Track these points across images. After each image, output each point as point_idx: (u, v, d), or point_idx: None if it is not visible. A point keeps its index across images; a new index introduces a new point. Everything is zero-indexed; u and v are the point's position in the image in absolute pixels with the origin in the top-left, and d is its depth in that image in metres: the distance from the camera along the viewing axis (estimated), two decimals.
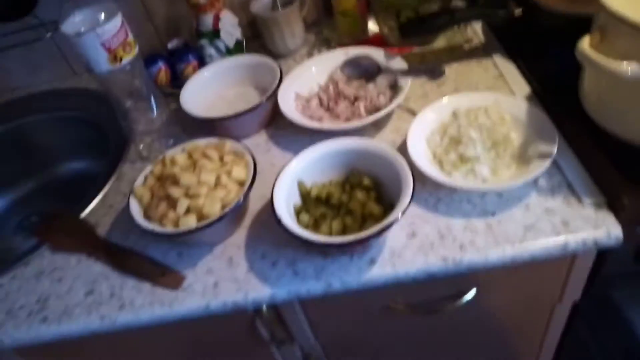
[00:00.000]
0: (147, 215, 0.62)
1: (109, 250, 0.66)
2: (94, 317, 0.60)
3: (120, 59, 0.67)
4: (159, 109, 0.77)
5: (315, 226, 0.60)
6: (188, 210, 0.60)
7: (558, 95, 0.69)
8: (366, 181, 0.62)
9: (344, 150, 0.64)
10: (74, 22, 0.65)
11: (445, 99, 0.70)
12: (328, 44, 0.94)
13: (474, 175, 0.62)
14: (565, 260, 0.64)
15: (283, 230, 0.55)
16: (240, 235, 0.65)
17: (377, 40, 0.89)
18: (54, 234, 0.70)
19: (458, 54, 0.85)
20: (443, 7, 0.79)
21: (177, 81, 0.89)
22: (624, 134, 0.59)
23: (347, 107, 0.76)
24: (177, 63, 0.89)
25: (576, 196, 0.60)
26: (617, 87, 0.58)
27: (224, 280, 0.60)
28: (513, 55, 0.81)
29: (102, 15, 0.65)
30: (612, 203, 0.58)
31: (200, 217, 0.59)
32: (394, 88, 0.77)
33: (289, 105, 0.77)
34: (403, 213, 0.53)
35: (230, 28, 0.88)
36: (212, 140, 0.69)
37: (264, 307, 0.66)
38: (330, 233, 0.58)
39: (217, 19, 0.86)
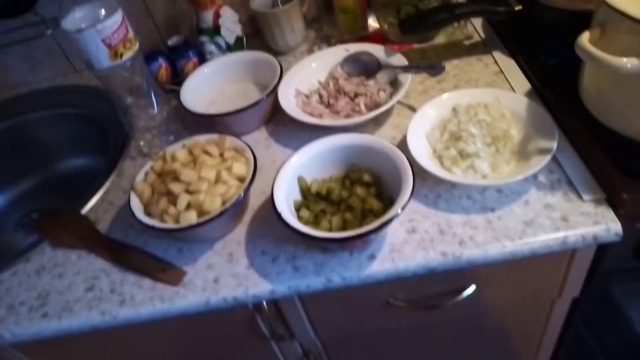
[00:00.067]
0: (147, 211, 0.62)
1: (109, 246, 0.67)
2: (94, 312, 0.60)
3: (121, 55, 0.67)
4: (160, 106, 0.77)
5: (315, 222, 0.60)
6: (188, 206, 0.60)
7: (558, 91, 0.69)
8: (366, 177, 0.63)
9: (344, 146, 0.64)
10: (75, 19, 0.65)
11: (445, 95, 0.70)
12: (328, 40, 0.94)
13: (473, 171, 0.62)
14: (564, 256, 0.64)
15: (283, 225, 0.56)
16: (240, 231, 0.65)
17: (377, 37, 0.89)
18: (54, 230, 0.70)
19: (458, 50, 0.85)
20: (443, 4, 0.79)
21: (178, 78, 0.89)
22: (623, 129, 0.59)
23: (347, 104, 0.76)
24: (178, 60, 0.89)
25: (576, 192, 0.60)
26: (616, 83, 0.58)
27: (224, 276, 0.61)
28: (513, 51, 0.81)
29: (103, 12, 0.65)
30: (612, 199, 0.58)
31: (201, 212, 0.60)
32: (394, 84, 0.77)
33: (289, 102, 0.77)
34: (403, 208, 0.53)
35: (231, 25, 0.88)
36: (213, 136, 0.69)
37: (264, 303, 0.66)
38: (330, 229, 0.59)
39: (217, 15, 0.87)
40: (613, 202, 0.58)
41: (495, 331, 0.82)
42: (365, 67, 0.80)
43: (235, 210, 0.62)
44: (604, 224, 0.56)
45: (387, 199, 0.61)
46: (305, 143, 0.64)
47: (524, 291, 0.71)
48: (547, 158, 0.59)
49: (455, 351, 0.87)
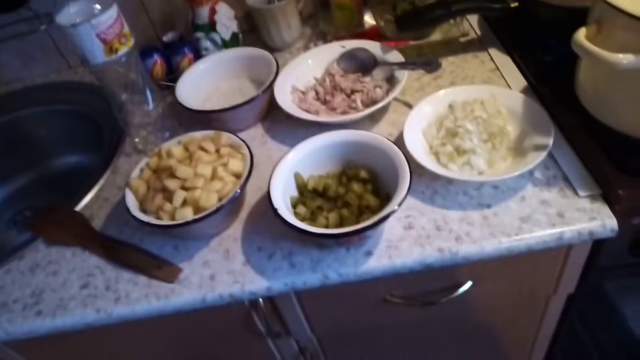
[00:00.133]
0: (143, 208, 0.62)
1: (104, 243, 0.66)
2: (89, 310, 0.60)
3: (116, 51, 0.67)
4: (155, 102, 0.77)
5: (312, 218, 0.60)
6: (184, 203, 0.60)
7: (553, 88, 0.69)
8: (363, 173, 0.62)
9: (341, 143, 0.64)
10: (69, 14, 0.64)
11: (441, 92, 0.70)
12: (324, 37, 0.94)
13: (470, 167, 0.62)
14: (560, 252, 0.64)
15: (280, 221, 0.55)
16: (236, 228, 0.65)
17: (374, 34, 0.89)
18: (48, 228, 0.70)
19: (454, 47, 0.85)
20: (439, 0, 0.79)
21: (173, 74, 0.88)
22: (619, 125, 0.60)
23: (343, 100, 0.76)
24: (173, 56, 0.89)
25: (571, 188, 0.60)
26: (612, 79, 0.58)
27: (220, 273, 0.60)
28: (509, 48, 0.81)
29: (98, 7, 0.64)
30: (607, 195, 0.58)
31: (197, 209, 0.59)
32: (391, 81, 0.77)
33: (285, 98, 0.76)
34: (400, 205, 0.53)
35: (226, 21, 0.87)
36: (209, 132, 0.69)
37: (260, 300, 0.66)
38: (327, 225, 0.58)
39: (213, 11, 0.86)
40: (609, 198, 0.58)
41: (491, 327, 0.82)
42: (362, 64, 0.80)
43: (231, 206, 0.62)
44: (600, 220, 0.56)
45: (384, 195, 0.61)
46: (301, 139, 0.64)
47: (519, 287, 0.71)
48: (543, 154, 0.59)
49: (451, 347, 0.88)
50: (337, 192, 0.62)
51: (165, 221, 0.59)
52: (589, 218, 0.57)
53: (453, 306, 0.69)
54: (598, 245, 0.64)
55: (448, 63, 0.82)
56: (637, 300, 0.78)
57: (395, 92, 0.72)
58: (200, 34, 0.88)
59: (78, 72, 1.03)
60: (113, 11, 0.65)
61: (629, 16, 0.51)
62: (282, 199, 0.59)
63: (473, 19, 0.90)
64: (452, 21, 0.86)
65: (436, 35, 0.87)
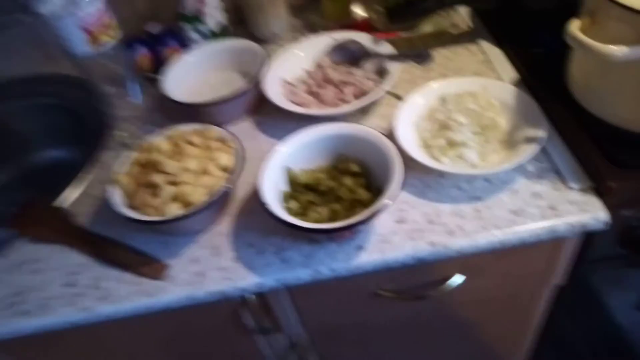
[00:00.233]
0: (129, 204, 0.60)
1: (89, 240, 0.64)
2: (75, 309, 0.58)
3: (101, 42, 0.65)
4: (141, 95, 0.75)
5: (303, 213, 0.59)
6: (172, 198, 0.58)
7: (545, 80, 0.69)
8: (354, 167, 0.62)
9: (332, 136, 0.63)
10: (51, 3, 0.62)
11: (433, 84, 0.69)
12: (314, 28, 0.93)
13: (462, 160, 0.62)
14: (551, 244, 0.64)
15: (270, 216, 0.54)
16: (225, 224, 0.63)
17: (364, 25, 0.88)
18: (31, 225, 0.68)
19: (445, 39, 0.84)
20: None
21: (159, 66, 0.86)
22: (610, 118, 0.60)
23: (334, 93, 0.75)
24: (159, 47, 0.86)
25: (563, 180, 0.60)
26: (605, 71, 0.58)
27: (209, 270, 0.59)
28: (500, 40, 0.81)
29: None
30: (599, 187, 0.58)
31: (185, 205, 0.58)
32: (381, 73, 0.76)
33: (274, 91, 0.75)
34: (393, 199, 0.52)
35: (214, 11, 0.86)
36: (196, 126, 0.67)
37: (251, 296, 0.65)
38: (318, 220, 0.58)
39: (200, 2, 0.84)
40: (600, 191, 0.58)
41: (481, 321, 0.82)
42: (352, 56, 0.79)
43: (220, 202, 0.61)
44: (592, 212, 0.56)
45: (376, 189, 0.60)
46: (291, 133, 0.63)
47: (511, 280, 0.71)
48: (535, 147, 0.59)
49: (442, 342, 0.88)
50: (328, 186, 0.61)
51: (153, 218, 0.57)
52: (581, 210, 0.57)
53: (444, 300, 0.69)
54: (589, 237, 0.64)
55: (439, 55, 0.81)
56: (622, 291, 0.79)
57: (387, 85, 0.71)
58: (187, 25, 0.86)
59: (61, 64, 1.00)
60: (97, 1, 0.63)
61: (622, 7, 0.51)
62: (273, 194, 0.58)
63: (463, 10, 0.89)
64: (442, 13, 0.85)
65: (426, 27, 0.86)
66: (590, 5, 0.56)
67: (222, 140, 0.65)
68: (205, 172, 0.60)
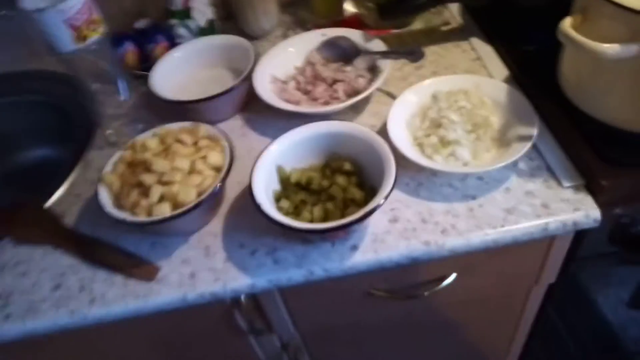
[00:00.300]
0: (118, 204, 0.59)
1: (77, 242, 0.63)
2: (62, 312, 0.57)
3: (86, 38, 0.63)
4: (128, 92, 0.73)
5: (295, 213, 0.58)
6: (162, 198, 0.57)
7: (536, 77, 0.69)
8: (347, 166, 0.61)
9: (324, 134, 0.62)
10: None
11: (426, 82, 0.69)
12: (304, 24, 0.92)
13: (454, 158, 0.62)
14: (544, 242, 0.65)
15: (263, 217, 0.53)
16: (216, 224, 0.62)
17: (354, 22, 0.87)
18: (16, 226, 0.66)
19: (435, 36, 0.84)
20: None
21: (147, 63, 0.84)
22: (602, 116, 0.60)
23: (325, 90, 0.74)
24: (146, 43, 0.85)
25: (555, 178, 0.60)
26: (596, 69, 0.58)
27: (201, 271, 0.58)
28: (490, 37, 0.81)
29: None
30: (590, 185, 0.58)
31: (175, 205, 0.57)
32: (373, 70, 0.75)
33: (264, 88, 0.74)
34: (386, 198, 0.52)
35: (202, 7, 0.84)
36: (186, 124, 0.66)
37: (243, 297, 0.64)
38: (311, 220, 0.57)
39: None
40: (592, 189, 0.58)
41: (473, 320, 0.82)
42: (343, 53, 0.78)
43: (211, 201, 0.60)
44: (584, 211, 0.56)
45: (369, 188, 0.59)
46: (282, 131, 0.62)
47: (503, 279, 0.71)
48: (527, 145, 0.58)
49: (434, 342, 0.88)
50: (321, 185, 0.60)
51: (142, 218, 0.56)
52: (573, 209, 0.57)
53: (437, 299, 0.69)
54: (580, 234, 0.64)
55: (430, 52, 0.80)
56: (611, 288, 0.80)
57: (379, 82, 0.70)
58: (174, 21, 0.84)
59: (45, 60, 0.97)
60: None
61: (614, 5, 0.51)
62: (265, 193, 0.57)
63: (454, 7, 0.89)
64: (433, 10, 0.85)
65: (417, 24, 0.86)
66: (582, 3, 0.56)
67: (211, 139, 0.64)
68: (195, 171, 0.59)
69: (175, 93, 0.76)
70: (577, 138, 0.61)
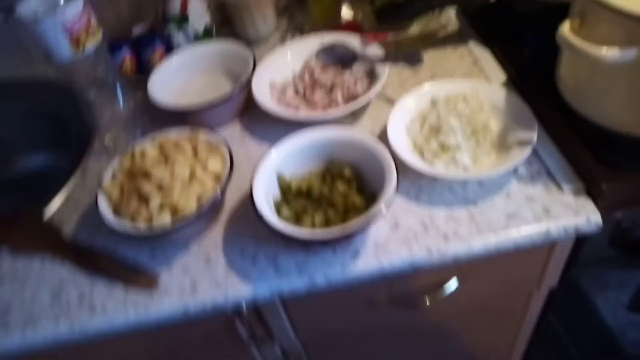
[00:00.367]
0: (117, 213, 0.59)
1: (75, 251, 0.62)
2: (62, 324, 0.56)
3: (83, 45, 0.63)
4: (125, 99, 0.73)
5: (296, 220, 0.58)
6: (162, 207, 0.57)
7: (534, 82, 0.69)
8: (347, 172, 0.61)
9: (324, 141, 0.62)
10: (31, 5, 0.60)
11: (425, 86, 0.69)
12: (301, 29, 0.91)
13: (455, 164, 0.62)
14: (545, 247, 0.65)
15: (265, 226, 0.53)
16: (216, 231, 0.62)
17: (351, 27, 0.87)
18: (13, 236, 0.65)
19: (433, 41, 0.84)
20: None
21: (144, 69, 0.84)
22: (601, 119, 0.60)
23: (323, 96, 0.74)
24: (143, 50, 0.84)
25: (556, 183, 0.60)
26: (595, 73, 0.58)
27: (201, 280, 0.58)
28: (488, 41, 0.81)
29: None
30: (591, 189, 0.58)
31: (175, 213, 0.56)
32: (371, 75, 0.75)
33: (263, 94, 0.74)
34: (388, 205, 0.52)
35: (199, 12, 0.84)
36: (184, 131, 0.66)
37: (244, 306, 0.63)
38: (313, 226, 0.57)
39: (185, 3, 0.82)
40: (592, 193, 0.58)
41: (474, 327, 0.82)
42: (341, 58, 0.78)
43: (212, 210, 0.59)
44: (584, 215, 0.56)
45: (369, 194, 0.59)
46: (281, 137, 0.62)
47: (504, 284, 0.71)
48: (527, 150, 0.58)
49: (435, 349, 0.87)
50: (321, 192, 0.60)
51: (143, 229, 0.56)
52: (574, 213, 0.57)
53: (438, 306, 0.68)
54: (580, 239, 0.64)
55: (427, 57, 0.80)
56: (612, 291, 0.80)
57: (378, 87, 0.70)
58: (172, 27, 0.84)
59: (41, 68, 0.97)
60: (79, 2, 0.61)
61: (612, 9, 0.51)
62: (265, 200, 0.57)
63: (451, 12, 0.89)
64: (430, 14, 0.85)
65: (414, 29, 0.86)
66: (580, 7, 0.56)
67: (211, 146, 0.63)
68: (194, 178, 0.59)
69: (173, 99, 0.76)
70: (577, 142, 0.61)
